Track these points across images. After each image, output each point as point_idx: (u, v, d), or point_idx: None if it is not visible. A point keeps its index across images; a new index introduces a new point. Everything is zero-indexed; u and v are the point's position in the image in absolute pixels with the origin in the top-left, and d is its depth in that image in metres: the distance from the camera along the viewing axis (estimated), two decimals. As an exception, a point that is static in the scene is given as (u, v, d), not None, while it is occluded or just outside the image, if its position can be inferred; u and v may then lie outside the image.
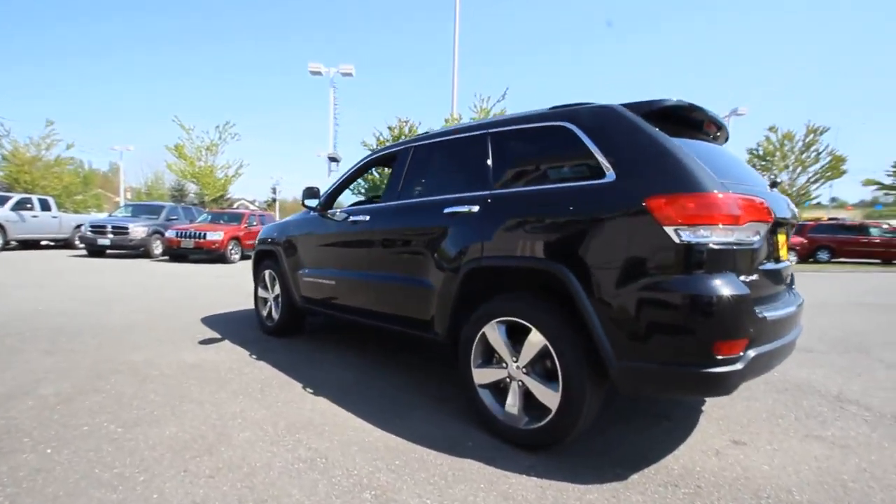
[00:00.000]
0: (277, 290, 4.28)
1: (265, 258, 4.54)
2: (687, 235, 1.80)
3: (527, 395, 2.24)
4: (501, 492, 1.86)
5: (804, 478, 2.01)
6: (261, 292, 4.57)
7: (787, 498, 1.85)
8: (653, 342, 1.84)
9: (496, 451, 2.19)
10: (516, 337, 2.27)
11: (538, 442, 2.18)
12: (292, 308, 4.14)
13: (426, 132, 3.20)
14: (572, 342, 2.03)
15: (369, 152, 3.66)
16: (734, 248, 1.84)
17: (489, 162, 2.57)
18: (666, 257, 1.83)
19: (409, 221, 2.91)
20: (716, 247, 1.81)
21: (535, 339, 2.15)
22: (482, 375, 2.41)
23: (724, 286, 1.78)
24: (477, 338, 2.41)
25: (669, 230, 1.82)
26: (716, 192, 1.82)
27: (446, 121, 14.68)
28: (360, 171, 3.71)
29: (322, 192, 3.75)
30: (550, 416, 2.11)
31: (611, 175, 2.04)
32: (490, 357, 2.44)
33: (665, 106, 2.13)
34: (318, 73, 19.11)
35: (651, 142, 2.00)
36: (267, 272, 4.43)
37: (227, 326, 4.68)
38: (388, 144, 3.58)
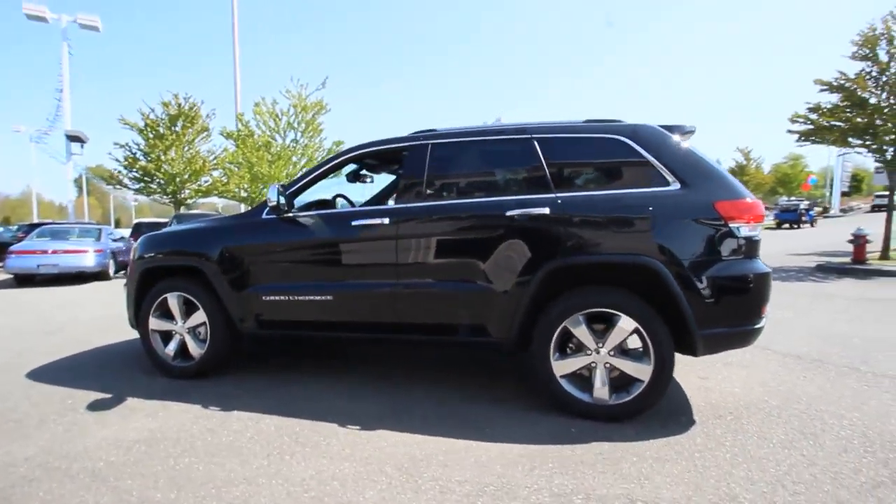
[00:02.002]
0: (199, 318, 3.27)
1: (167, 278, 3.37)
2: (743, 230, 2.45)
3: (613, 375, 2.56)
4: (639, 453, 2.14)
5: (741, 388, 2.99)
6: (157, 323, 3.38)
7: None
8: (724, 311, 2.43)
9: (599, 428, 2.44)
10: (595, 326, 2.56)
11: (628, 412, 2.53)
12: (230, 338, 3.26)
13: (432, 129, 3.05)
14: (660, 322, 2.46)
15: (355, 145, 3.18)
16: (757, 238, 2.59)
17: (544, 166, 2.72)
18: (731, 247, 2.44)
19: (457, 224, 2.77)
20: (755, 238, 2.51)
21: (626, 325, 2.48)
22: (564, 367, 2.60)
23: (764, 266, 2.52)
24: (557, 332, 2.58)
25: (733, 226, 2.43)
26: (751, 198, 2.52)
27: (256, 104, 12.99)
28: (340, 165, 3.21)
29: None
30: (642, 388, 2.49)
31: (675, 184, 2.52)
32: (566, 348, 2.65)
33: (688, 131, 2.75)
34: (41, 20, 13.85)
35: (699, 158, 2.59)
36: (174, 296, 3.31)
37: (122, 373, 3.29)
38: (386, 138, 3.18)
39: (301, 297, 3.02)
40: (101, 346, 4.30)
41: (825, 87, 10.06)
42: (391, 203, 2.98)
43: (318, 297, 2.98)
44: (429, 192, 2.90)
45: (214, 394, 3.04)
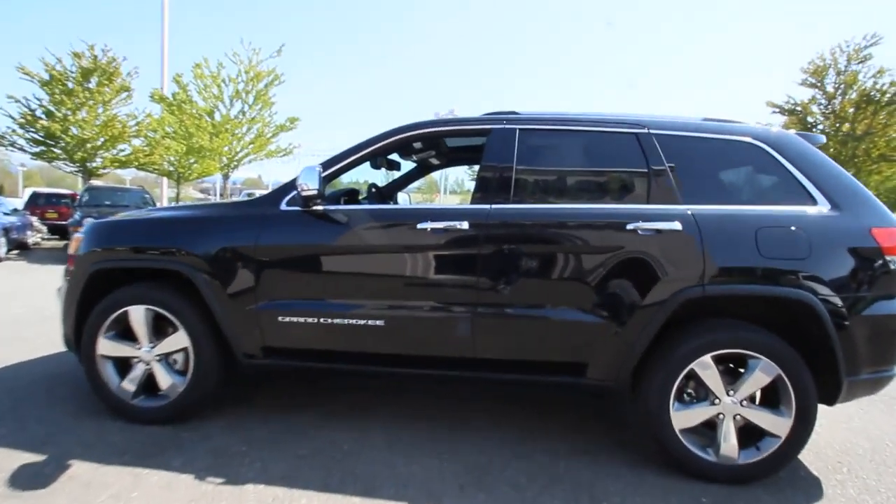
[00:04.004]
0: (177, 341, 2.37)
1: (131, 284, 2.42)
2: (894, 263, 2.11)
3: (740, 429, 2.13)
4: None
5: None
6: (111, 347, 2.42)
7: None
8: (872, 355, 2.09)
9: (734, 496, 2.00)
10: (724, 369, 2.12)
11: (757, 474, 2.11)
12: (221, 370, 2.41)
13: (512, 112, 2.41)
14: (805, 368, 2.06)
15: (416, 122, 2.41)
16: None
17: (668, 170, 2.20)
18: (886, 281, 2.08)
19: (562, 235, 2.17)
20: None
21: (767, 370, 2.06)
22: (686, 418, 2.12)
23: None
24: (681, 376, 2.09)
25: (890, 259, 2.07)
26: None
27: (197, 65, 11.22)
28: (397, 144, 2.43)
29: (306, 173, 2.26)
30: (777, 445, 2.08)
31: (824, 203, 2.12)
32: (683, 395, 2.17)
33: (820, 142, 2.38)
34: None
35: (845, 176, 2.21)
36: (140, 310, 2.38)
37: (51, 413, 2.29)
38: (459, 117, 2.46)
39: (338, 321, 2.25)
40: (5, 366, 3.15)
41: (776, 110, 10.77)
42: (472, 203, 2.29)
43: (362, 322, 2.23)
44: (517, 191, 2.27)
45: (206, 450, 2.19)
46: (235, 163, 13.78)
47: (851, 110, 9.69)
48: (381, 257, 2.26)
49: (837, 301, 2.03)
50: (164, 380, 2.42)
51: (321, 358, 2.33)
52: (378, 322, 2.23)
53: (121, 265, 2.44)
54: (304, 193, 2.18)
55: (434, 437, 2.39)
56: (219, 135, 11.75)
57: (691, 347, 2.08)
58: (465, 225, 2.18)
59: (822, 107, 9.99)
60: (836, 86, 10.00)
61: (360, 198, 3.13)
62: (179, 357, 2.43)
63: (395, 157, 3.27)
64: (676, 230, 2.09)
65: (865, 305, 2.07)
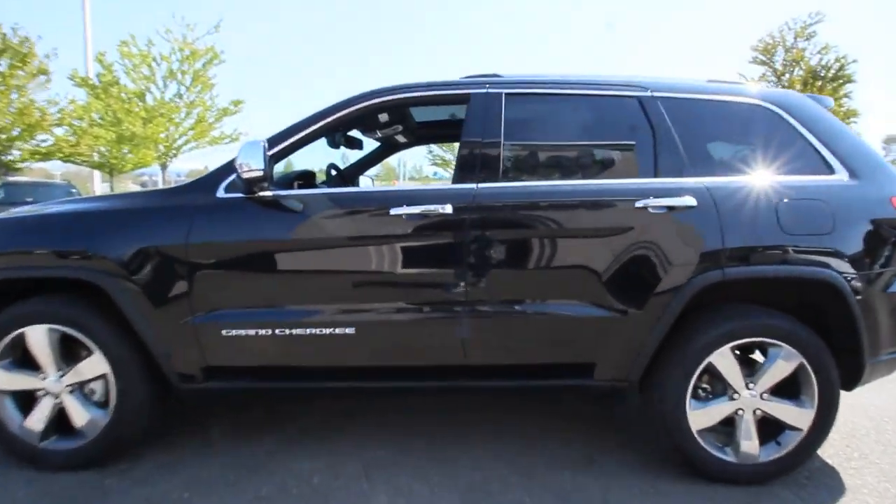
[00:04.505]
0: (93, 367, 1.90)
1: (28, 298, 1.91)
2: None
3: (759, 423, 1.93)
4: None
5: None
6: (3, 379, 1.92)
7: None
8: (893, 334, 1.93)
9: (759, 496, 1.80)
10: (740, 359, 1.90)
11: (781, 471, 1.93)
12: (152, 398, 1.96)
13: (498, 75, 2.06)
14: (827, 354, 1.88)
15: (371, 90, 2.01)
16: None
17: (676, 138, 1.93)
18: (907, 255, 1.92)
19: (561, 217, 1.85)
20: None
21: (789, 358, 1.86)
22: (704, 417, 1.90)
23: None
24: (699, 371, 1.86)
25: None
26: None
27: (123, 43, 10.02)
28: (356, 115, 2.01)
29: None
30: (800, 438, 1.90)
31: (841, 171, 1.93)
32: (698, 393, 1.94)
33: (828, 105, 2.18)
34: None
35: (860, 141, 2.04)
36: (42, 331, 1.88)
37: None
38: (433, 81, 2.05)
39: (298, 332, 1.84)
40: None
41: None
42: (454, 183, 1.94)
43: (328, 331, 1.84)
44: (506, 168, 1.94)
45: (139, 499, 1.76)
46: (174, 151, 12.64)
47: (799, 87, 10.06)
48: (348, 252, 1.87)
49: (862, 279, 1.85)
50: (80, 415, 1.93)
51: (280, 376, 1.93)
52: (348, 330, 1.84)
53: (10, 274, 1.91)
54: (246, 175, 1.74)
55: (419, 458, 2.06)
56: (153, 120, 10.64)
57: (709, 338, 1.84)
58: (447, 208, 1.82)
59: (772, 84, 10.33)
60: (785, 63, 10.34)
61: (319, 182, 2.71)
62: (98, 386, 1.95)
63: (356, 134, 2.86)
64: (691, 206, 1.83)
65: (888, 281, 1.90)
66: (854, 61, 9.74)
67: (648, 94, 1.98)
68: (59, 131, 14.68)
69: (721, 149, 2.03)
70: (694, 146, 1.94)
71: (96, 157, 14.73)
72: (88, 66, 13.21)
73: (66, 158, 15.51)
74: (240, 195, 1.87)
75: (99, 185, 17.32)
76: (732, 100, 2.01)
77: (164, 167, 12.95)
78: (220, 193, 1.89)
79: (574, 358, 1.91)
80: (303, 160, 2.56)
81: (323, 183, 2.67)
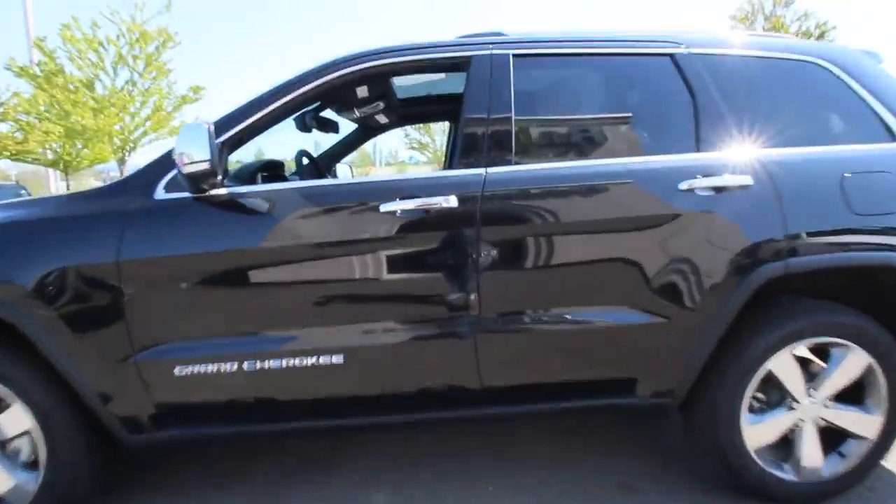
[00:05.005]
0: (15, 423, 1.49)
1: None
2: None
3: (823, 434, 1.67)
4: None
5: None
6: None
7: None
8: None
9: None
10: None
11: (846, 486, 1.69)
12: (92, 455, 1.57)
13: (501, 33, 1.68)
14: (897, 351, 1.62)
15: (342, 56, 1.60)
16: None
17: (720, 104, 1.60)
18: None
19: (589, 206, 1.51)
20: None
21: (858, 360, 1.59)
22: (761, 433, 1.63)
23: None
24: (757, 380, 1.58)
25: None
26: None
27: (65, 26, 9.08)
28: (329, 91, 1.61)
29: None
30: (867, 448, 1.65)
31: (905, 137, 1.65)
32: (752, 403, 1.66)
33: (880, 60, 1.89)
34: None
35: None
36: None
37: None
38: (419, 43, 1.65)
39: (271, 364, 1.47)
40: None
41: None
42: (453, 169, 1.58)
43: (310, 361, 1.47)
44: (520, 147, 1.58)
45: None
46: (132, 144, 11.76)
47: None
48: (328, 261, 1.49)
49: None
50: (1, 480, 1.54)
51: (249, 419, 1.56)
52: (335, 358, 1.48)
53: None
54: (187, 170, 1.33)
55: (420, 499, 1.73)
56: (103, 111, 9.80)
57: (768, 341, 1.55)
58: (451, 201, 1.46)
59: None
60: (765, 30, 10.21)
61: (290, 174, 2.30)
62: (23, 444, 1.55)
63: (330, 115, 2.45)
64: (746, 185, 1.52)
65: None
66: (834, 27, 9.72)
67: (683, 49, 1.64)
68: (3, 127, 13.57)
69: (771, 115, 1.71)
70: (740, 113, 1.62)
71: (49, 155, 13.68)
72: (32, 54, 12.11)
73: (14, 157, 14.39)
74: (185, 195, 1.47)
75: (54, 185, 16.18)
76: (781, 56, 1.69)
77: (121, 162, 12.03)
78: (159, 194, 1.48)
79: (612, 373, 1.61)
80: (276, 147, 2.17)
81: (294, 175, 2.27)
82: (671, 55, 1.64)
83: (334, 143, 2.86)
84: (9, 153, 13.84)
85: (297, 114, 2.20)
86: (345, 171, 3.02)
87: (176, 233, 1.46)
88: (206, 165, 1.31)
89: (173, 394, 1.51)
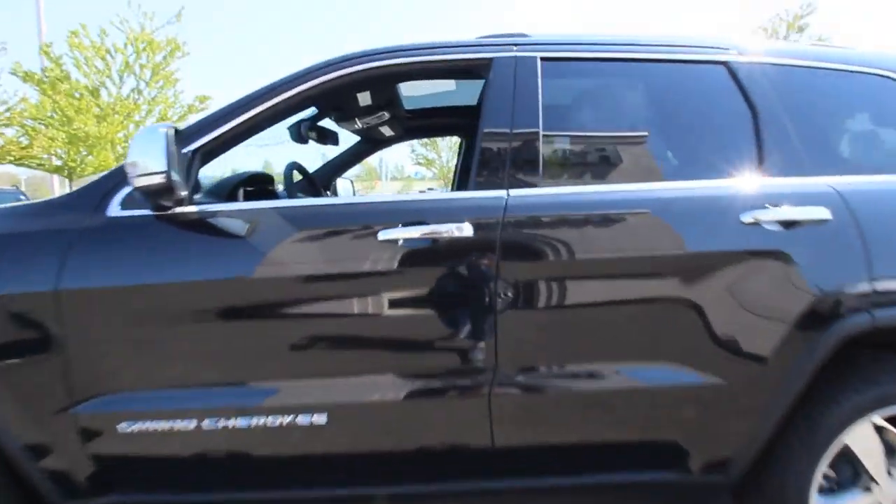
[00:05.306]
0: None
1: None
2: None
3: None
4: None
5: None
6: None
7: None
8: None
9: None
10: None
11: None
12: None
13: (525, 35, 1.45)
14: None
15: (347, 54, 1.38)
16: None
17: (787, 119, 1.36)
18: None
19: (632, 241, 1.25)
20: None
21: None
22: (834, 519, 1.33)
23: None
24: (831, 455, 1.30)
25: None
26: None
27: (73, 33, 9.06)
28: (326, 95, 1.38)
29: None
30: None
31: None
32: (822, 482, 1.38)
33: None
34: None
35: None
36: None
37: None
38: (430, 42, 1.41)
39: (237, 423, 1.20)
40: None
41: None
42: (466, 190, 1.33)
43: (287, 420, 1.20)
44: (548, 166, 1.33)
45: None
46: (136, 153, 11.62)
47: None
48: (314, 302, 1.23)
49: None
50: None
51: (209, 486, 1.28)
52: (316, 417, 1.21)
53: None
54: (140, 183, 1.08)
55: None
56: (107, 118, 9.69)
57: (846, 409, 1.28)
58: (464, 229, 1.20)
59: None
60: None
61: (278, 189, 2.05)
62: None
63: (329, 125, 2.22)
64: (823, 220, 1.25)
65: None
66: (848, 53, 9.68)
67: (736, 56, 1.40)
68: (9, 132, 13.51)
69: (845, 136, 1.46)
70: (811, 132, 1.37)
71: (54, 161, 13.59)
72: (42, 60, 12.13)
73: (19, 162, 14.32)
74: (144, 212, 1.21)
75: (57, 191, 16.12)
76: (854, 69, 1.45)
77: (124, 170, 11.85)
78: (113, 211, 1.23)
79: (659, 441, 1.32)
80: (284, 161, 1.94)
81: (285, 190, 2.02)
82: (725, 63, 1.40)
83: (334, 155, 2.63)
84: (12, 158, 13.79)
85: (293, 122, 1.98)
86: (346, 187, 2.78)
87: (130, 258, 1.20)
88: (160, 179, 1.06)
89: (119, 453, 1.23)
